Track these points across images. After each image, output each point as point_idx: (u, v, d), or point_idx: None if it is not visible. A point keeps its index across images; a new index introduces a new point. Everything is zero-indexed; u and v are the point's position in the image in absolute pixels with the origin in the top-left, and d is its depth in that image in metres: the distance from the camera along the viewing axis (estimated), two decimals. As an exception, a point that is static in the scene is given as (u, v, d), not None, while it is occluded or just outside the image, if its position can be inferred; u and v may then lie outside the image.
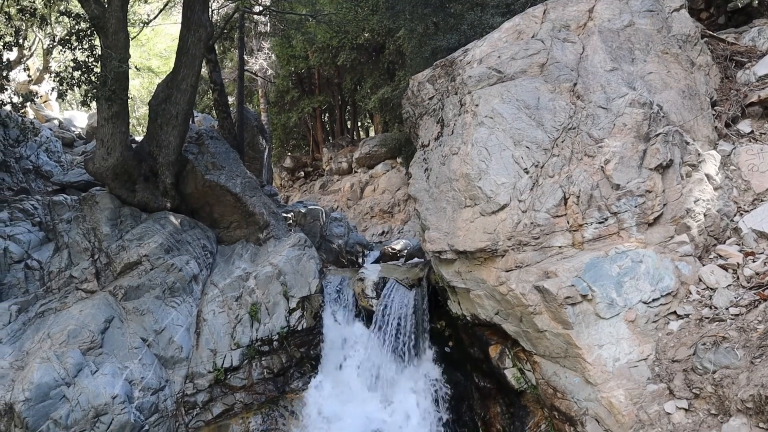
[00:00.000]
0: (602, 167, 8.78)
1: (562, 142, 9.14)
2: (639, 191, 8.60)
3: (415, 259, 13.46)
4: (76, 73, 10.56)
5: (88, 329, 9.67)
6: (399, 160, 27.58)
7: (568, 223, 8.75)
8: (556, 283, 8.30)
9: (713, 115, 10.11)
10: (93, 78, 10.48)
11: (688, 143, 9.10)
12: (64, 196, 12.00)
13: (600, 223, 8.68)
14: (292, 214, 15.33)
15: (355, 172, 30.93)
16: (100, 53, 10.70)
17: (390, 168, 28.28)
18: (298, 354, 10.81)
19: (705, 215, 8.96)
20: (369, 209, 26.25)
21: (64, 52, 10.78)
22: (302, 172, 37.19)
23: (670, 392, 7.83)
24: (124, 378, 9.53)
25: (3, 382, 9.09)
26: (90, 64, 10.50)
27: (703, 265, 8.78)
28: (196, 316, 10.74)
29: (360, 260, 14.90)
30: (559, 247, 8.74)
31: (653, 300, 8.37)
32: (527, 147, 9.17)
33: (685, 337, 8.09)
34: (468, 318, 9.86)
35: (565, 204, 8.76)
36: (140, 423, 9.47)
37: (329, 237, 15.69)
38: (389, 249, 14.67)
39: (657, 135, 8.86)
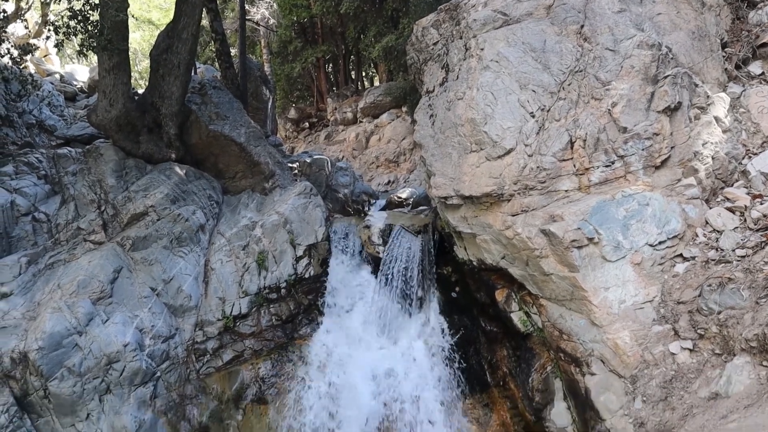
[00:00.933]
0: (609, 110, 8.71)
1: (569, 85, 9.05)
2: (646, 134, 8.55)
3: (421, 207, 13.48)
4: (72, 22, 10.44)
5: (98, 279, 9.79)
6: (404, 109, 27.37)
7: (574, 166, 8.72)
8: (562, 226, 8.33)
9: (723, 56, 9.97)
10: (89, 27, 10.36)
11: (697, 85, 9.00)
12: (69, 149, 12.00)
13: (607, 166, 8.65)
14: (297, 164, 15.32)
15: (360, 122, 30.74)
16: (97, 2, 10.56)
17: (395, 117, 28.10)
18: (305, 301, 10.94)
19: (713, 158, 8.92)
20: (374, 159, 26.18)
21: (60, 1, 10.65)
22: (307, 123, 37.00)
23: (675, 333, 7.92)
24: (135, 326, 9.69)
25: (16, 331, 9.24)
26: (86, 13, 10.37)
27: (710, 208, 8.78)
28: (203, 265, 10.84)
29: (366, 209, 14.93)
30: (566, 191, 8.74)
31: (659, 243, 8.41)
32: (533, 90, 9.09)
33: (691, 279, 8.14)
34: (474, 263, 9.92)
35: (572, 148, 8.73)
36: (152, 369, 9.66)
37: (335, 186, 15.70)
38: (395, 197, 14.67)
39: (665, 77, 8.75)
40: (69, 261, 10.25)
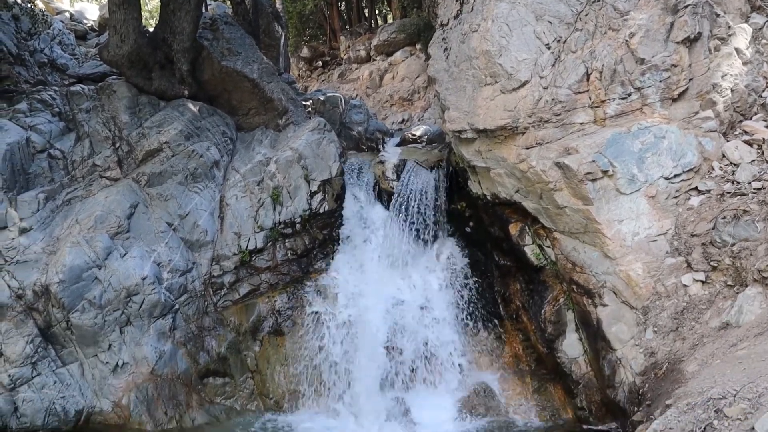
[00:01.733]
0: (627, 41, 8.58)
1: (586, 15, 8.91)
2: (664, 65, 8.44)
3: (436, 144, 13.45)
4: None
5: (115, 215, 9.96)
6: (418, 46, 26.97)
7: (590, 99, 8.67)
8: (576, 159, 8.33)
9: (746, -15, 9.73)
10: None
11: (718, 15, 8.82)
12: (81, 86, 12.02)
13: (623, 98, 8.59)
14: (310, 102, 15.25)
15: (374, 60, 30.35)
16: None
17: (409, 55, 27.70)
18: (320, 236, 11.07)
19: (732, 90, 8.82)
20: (388, 97, 25.96)
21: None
22: (320, 62, 36.58)
23: (687, 265, 7.99)
24: (152, 260, 9.89)
25: (37, 265, 9.48)
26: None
27: (727, 141, 8.73)
28: (219, 201, 10.96)
29: (380, 147, 14.89)
30: (581, 123, 8.70)
31: (675, 176, 8.40)
32: (549, 22, 8.97)
33: (706, 212, 8.17)
34: (488, 197, 9.98)
35: (588, 80, 8.65)
36: (170, 302, 9.91)
37: (348, 124, 15.65)
38: (409, 135, 14.61)
39: (685, 6, 8.57)
40: (86, 197, 10.41)
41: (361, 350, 9.96)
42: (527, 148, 8.86)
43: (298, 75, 35.57)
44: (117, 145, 11.08)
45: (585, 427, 8.72)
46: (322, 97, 15.62)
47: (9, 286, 9.21)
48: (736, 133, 8.90)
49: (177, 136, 11.05)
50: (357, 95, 26.83)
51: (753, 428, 4.66)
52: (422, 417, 9.32)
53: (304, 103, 14.60)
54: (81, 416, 9.20)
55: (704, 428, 5.06)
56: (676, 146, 8.40)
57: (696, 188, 8.45)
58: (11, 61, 12.24)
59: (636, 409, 7.40)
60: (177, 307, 10.03)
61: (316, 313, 10.39)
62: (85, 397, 9.29)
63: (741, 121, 8.99)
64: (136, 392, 9.44)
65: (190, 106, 11.80)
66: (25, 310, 9.25)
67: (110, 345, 9.49)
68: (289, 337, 10.36)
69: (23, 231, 9.70)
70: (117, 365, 9.48)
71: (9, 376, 8.87)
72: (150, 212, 10.37)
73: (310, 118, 13.35)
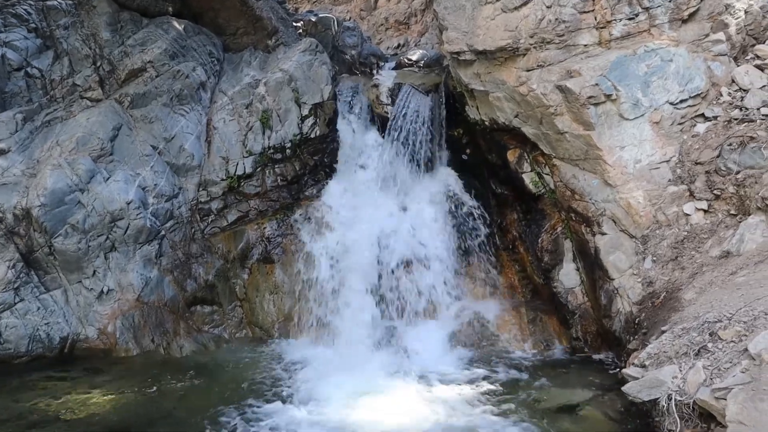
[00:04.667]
0: (636, -44, 8.46)
1: (592, -74, 8.75)
2: (675, -17, 8.36)
3: (432, 69, 13.32)
4: None
5: (97, 137, 9.93)
6: (416, -34, 26.40)
7: (595, 19, 8.61)
8: (579, 82, 8.32)
9: None
10: None
11: (734, -71, 8.69)
12: (59, 0, 11.77)
13: (630, 19, 8.54)
14: (301, 23, 15.00)
15: (369, -19, 29.77)
16: None
17: (406, -25, 27.14)
18: (311, 162, 11.07)
19: (746, 12, 8.78)
20: (383, 21, 25.49)
21: None
22: (311, -17, 35.87)
23: (690, 194, 8.09)
24: (137, 185, 9.93)
25: (17, 188, 9.52)
26: None
27: (738, 66, 8.71)
28: (205, 124, 10.92)
29: (374, 71, 14.74)
30: (585, 45, 8.67)
31: (681, 101, 8.43)
32: (554, -66, 8.81)
33: (711, 139, 8.22)
34: (486, 123, 9.97)
35: (594, -2, 8.57)
36: (156, 228, 10.00)
37: (342, 47, 15.44)
38: (405, 59, 14.44)
39: None
40: (66, 119, 10.35)
41: (353, 279, 10.09)
42: (528, 71, 8.83)
43: (289, -4, 34.85)
44: (98, 64, 10.94)
45: (579, 356, 8.96)
46: (313, 18, 15.35)
47: (-12, 209, 9.28)
48: (748, 57, 8.87)
49: (161, 55, 10.91)
50: (350, 17, 26.36)
51: (746, 349, 4.83)
52: (415, 346, 9.50)
53: (294, 24, 14.39)
54: (66, 343, 9.37)
55: (698, 350, 5.25)
56: (684, 70, 8.40)
57: (702, 114, 8.49)
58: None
59: (632, 338, 7.60)
60: (163, 233, 10.12)
61: (307, 240, 10.51)
62: (70, 324, 9.44)
63: (753, 45, 8.96)
64: (122, 319, 9.60)
65: (175, 24, 11.62)
66: (6, 234, 9.32)
67: (95, 271, 9.60)
68: (279, 265, 10.50)
69: (1, 152, 9.70)
70: (102, 292, 9.62)
71: (-9, 301, 9.02)
72: (134, 135, 10.34)
73: (301, 39, 13.17)
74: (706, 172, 8.05)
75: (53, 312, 9.35)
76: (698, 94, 8.44)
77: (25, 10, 11.10)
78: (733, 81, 8.59)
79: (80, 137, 9.87)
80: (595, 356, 8.82)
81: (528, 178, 9.56)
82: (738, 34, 8.73)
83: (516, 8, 8.83)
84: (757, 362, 4.70)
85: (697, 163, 8.18)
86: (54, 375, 8.87)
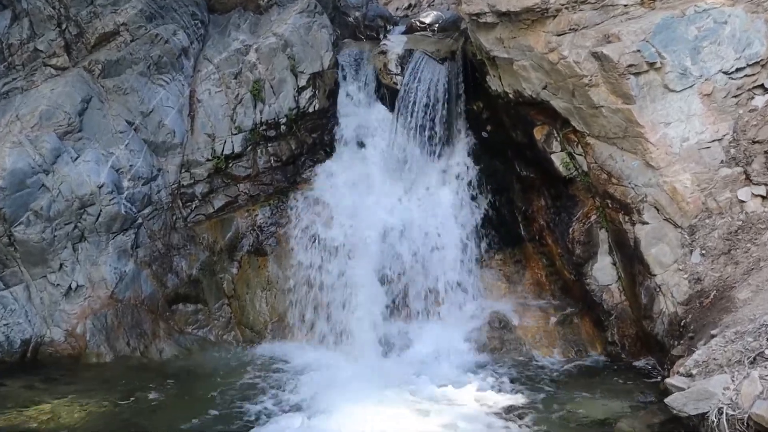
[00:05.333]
0: None
1: None
2: (732, -69, 8.28)
3: (448, 33, 13.25)
4: None
5: (63, 110, 9.89)
6: None
7: (637, -26, 8.55)
8: (617, 48, 8.26)
9: None
10: None
11: None
12: (17, -48, 11.75)
13: (678, -26, 8.46)
14: (298, -20, 14.96)
15: (376, -68, 29.69)
16: None
17: (419, -75, 27.06)
18: (309, 140, 11.05)
19: (813, -35, 8.66)
20: (392, -23, 25.50)
21: None
22: (309, -66, 35.80)
23: (746, 177, 8.03)
24: (110, 165, 9.92)
25: (-29, 169, 9.51)
26: None
27: (804, 27, 8.61)
28: (188, 96, 10.87)
29: (381, 36, 14.68)
30: (624, 5, 8.63)
31: (737, 70, 8.36)
32: None
33: (772, 115, 8.15)
34: (510, 95, 9.92)
35: (637, -51, 8.51)
36: (132, 215, 10.00)
37: (344, 9, 15.37)
38: (417, 23, 14.36)
39: None
40: (27, 89, 10.30)
41: (357, 274, 10.11)
42: (558, 35, 8.78)
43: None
44: (63, 26, 10.86)
45: (615, 363, 8.94)
46: (312, -25, 15.29)
47: (-63, 192, 9.28)
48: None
49: (136, 16, 10.82)
50: (355, -25, 26.29)
51: (811, 357, 4.78)
52: (427, 351, 9.54)
53: (291, -19, 14.34)
54: (28, 346, 9.40)
55: (754, 358, 5.20)
56: (741, 34, 8.32)
57: (762, 86, 8.42)
58: None
59: (676, 342, 7.59)
60: (140, 221, 10.12)
61: (304, 230, 10.50)
62: (33, 325, 9.47)
63: (822, 4, 8.86)
64: (93, 319, 9.63)
65: (153, -20, 11.59)
66: (-42, 222, 9.34)
67: (61, 264, 9.61)
68: (272, 257, 10.52)
69: (-49, 128, 9.70)
70: (70, 288, 9.64)
71: (-60, 298, 9.06)
72: (106, 108, 10.30)
73: None
74: (765, 152, 7.99)
75: (13, 311, 9.37)
76: (757, 62, 8.35)
77: (-23, -39, 11.07)
78: (798, 46, 8.51)
79: (44, 111, 9.82)
80: (634, 363, 8.80)
81: (558, 159, 9.50)
82: (804, -10, 8.64)
83: (546, -38, 8.78)
84: (822, 372, 4.67)
85: (754, 142, 8.11)
86: (14, 384, 8.82)
